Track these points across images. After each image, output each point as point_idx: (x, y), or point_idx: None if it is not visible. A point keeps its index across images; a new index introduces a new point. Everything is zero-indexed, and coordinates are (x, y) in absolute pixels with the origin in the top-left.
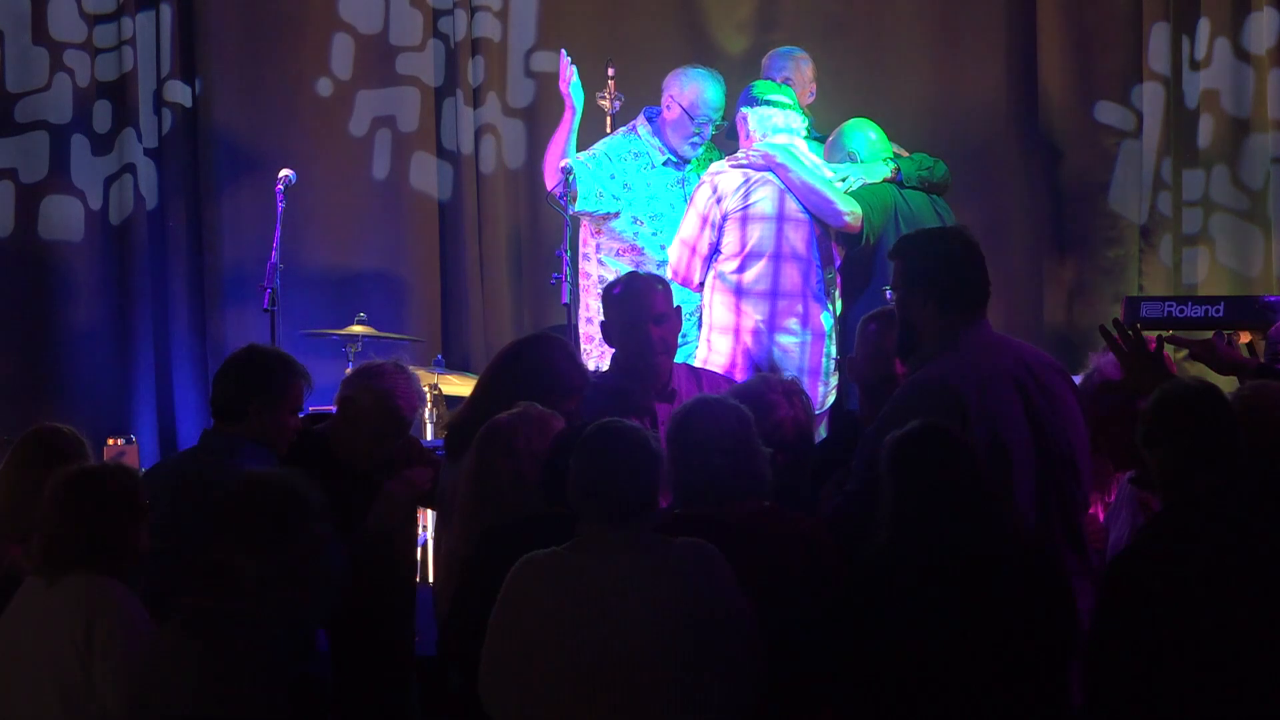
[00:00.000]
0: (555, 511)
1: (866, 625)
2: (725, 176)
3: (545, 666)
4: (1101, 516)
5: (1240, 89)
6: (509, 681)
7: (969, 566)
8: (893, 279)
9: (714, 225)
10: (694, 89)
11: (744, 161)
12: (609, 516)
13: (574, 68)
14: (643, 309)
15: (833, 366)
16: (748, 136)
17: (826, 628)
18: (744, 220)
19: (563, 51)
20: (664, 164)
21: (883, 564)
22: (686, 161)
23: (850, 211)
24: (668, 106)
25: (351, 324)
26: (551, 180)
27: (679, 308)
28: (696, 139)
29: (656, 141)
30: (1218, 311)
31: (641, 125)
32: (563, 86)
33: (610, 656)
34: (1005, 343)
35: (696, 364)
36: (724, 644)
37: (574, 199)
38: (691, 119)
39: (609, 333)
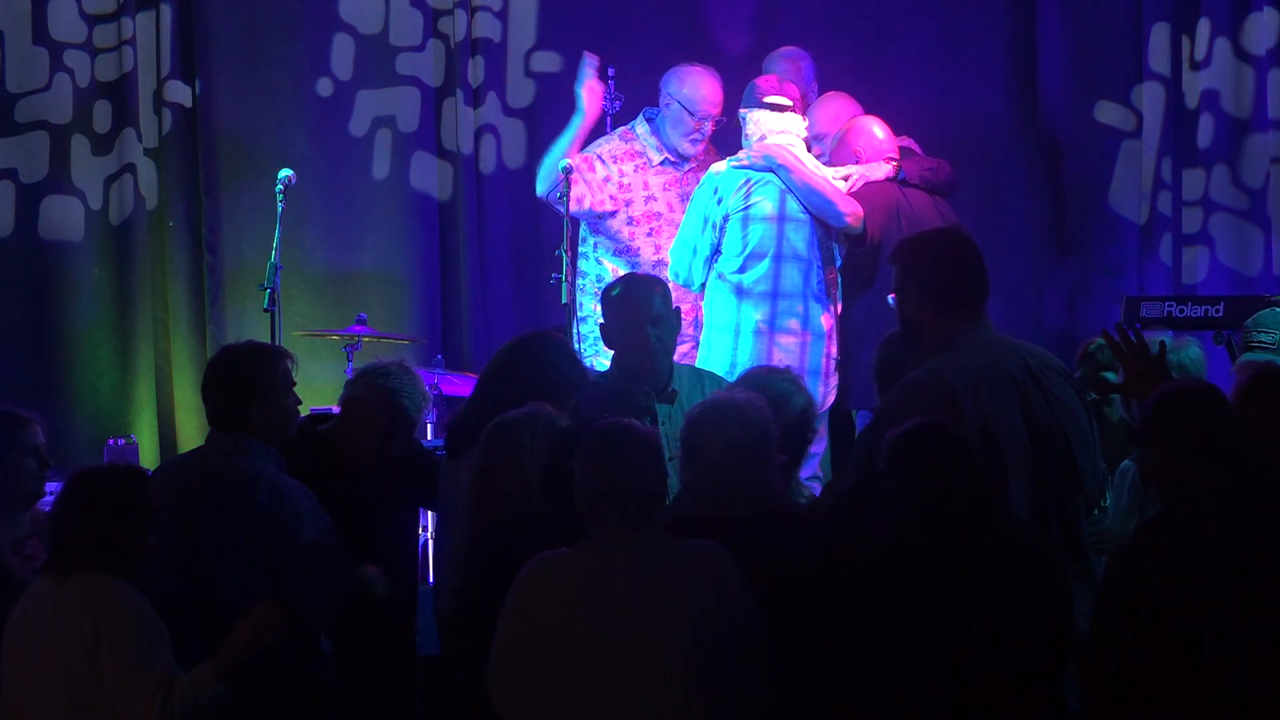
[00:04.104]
0: (557, 511)
1: (867, 623)
2: (726, 176)
3: (557, 666)
4: None
5: (1240, 89)
6: (519, 681)
7: (968, 564)
8: (894, 283)
9: (715, 226)
10: (692, 85)
11: (745, 162)
12: (622, 516)
13: (590, 72)
14: (641, 310)
15: (833, 366)
16: (747, 138)
17: (828, 626)
18: (745, 221)
19: (586, 55)
20: (661, 163)
21: (882, 562)
22: (684, 160)
23: (852, 212)
24: (666, 105)
25: (351, 324)
26: (544, 185)
27: (678, 309)
28: (697, 136)
29: (654, 141)
30: (1218, 311)
31: (640, 125)
32: (585, 90)
33: (623, 657)
34: (1007, 343)
35: (696, 365)
36: (736, 645)
37: (567, 196)
38: (691, 115)
39: (608, 334)
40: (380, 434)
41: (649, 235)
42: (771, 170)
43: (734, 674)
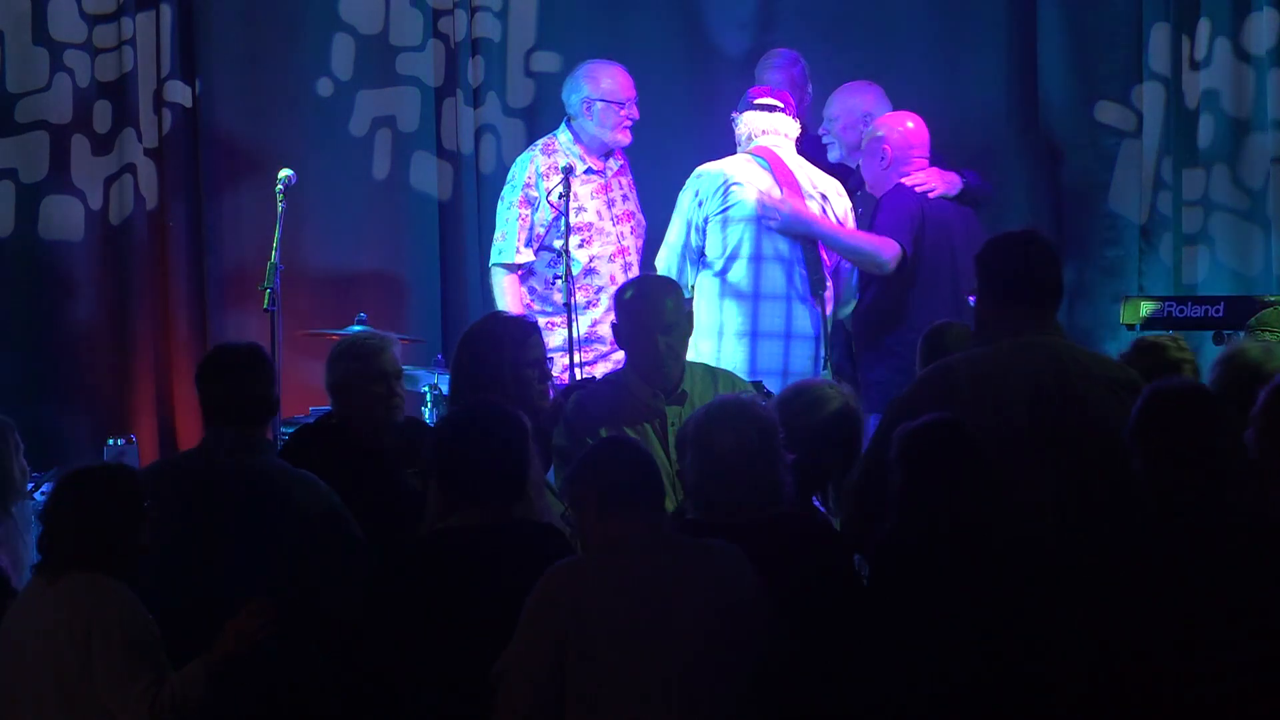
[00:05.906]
0: (460, 524)
1: (871, 619)
2: (706, 179)
3: (590, 673)
4: None
5: (1240, 89)
6: (536, 696)
7: (973, 566)
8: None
9: (697, 229)
10: (607, 78)
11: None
12: (642, 515)
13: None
14: (652, 317)
15: (821, 368)
16: (738, 139)
17: (835, 624)
18: (724, 223)
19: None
20: (585, 172)
21: (885, 557)
22: (608, 160)
23: (892, 257)
24: (588, 108)
25: (351, 324)
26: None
27: (690, 312)
28: (629, 122)
29: (577, 150)
30: (1218, 311)
31: (562, 134)
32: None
33: (655, 657)
34: (1056, 346)
35: None
36: (751, 645)
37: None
38: (620, 105)
39: (620, 335)
40: (373, 388)
41: (581, 246)
42: (810, 236)
43: (745, 673)
